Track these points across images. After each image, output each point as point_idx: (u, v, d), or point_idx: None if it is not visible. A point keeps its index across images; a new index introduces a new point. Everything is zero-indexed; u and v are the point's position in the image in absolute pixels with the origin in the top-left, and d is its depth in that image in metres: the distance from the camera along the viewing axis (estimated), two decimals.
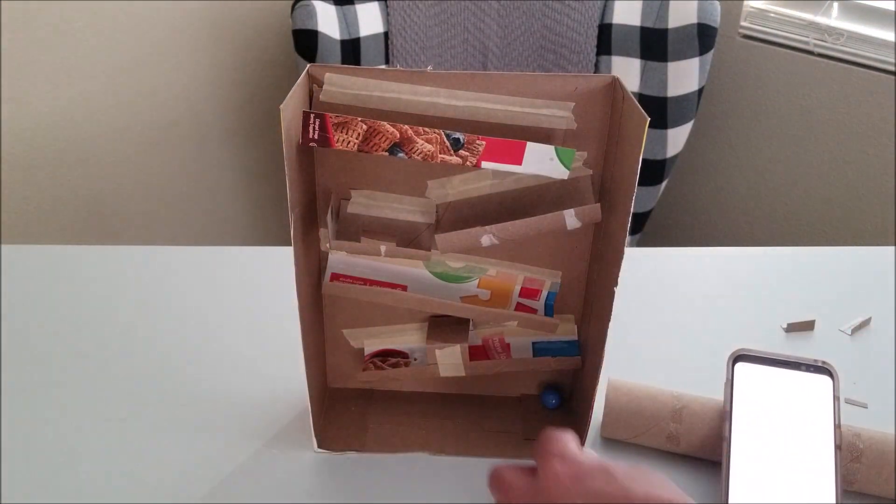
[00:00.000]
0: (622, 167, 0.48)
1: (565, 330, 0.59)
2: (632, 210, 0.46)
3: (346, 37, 1.35)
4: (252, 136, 1.64)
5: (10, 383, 0.63)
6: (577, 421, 0.59)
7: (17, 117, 1.26)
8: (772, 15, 1.50)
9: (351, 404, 0.62)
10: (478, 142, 0.47)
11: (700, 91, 1.40)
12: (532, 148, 0.47)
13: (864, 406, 0.63)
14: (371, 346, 0.61)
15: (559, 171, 0.48)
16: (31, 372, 0.64)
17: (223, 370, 0.65)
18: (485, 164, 0.48)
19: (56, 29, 1.25)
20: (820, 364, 0.55)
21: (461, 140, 0.47)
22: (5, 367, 0.65)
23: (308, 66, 0.50)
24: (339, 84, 0.50)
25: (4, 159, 1.27)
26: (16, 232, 1.33)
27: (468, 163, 0.47)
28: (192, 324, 0.71)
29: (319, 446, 0.58)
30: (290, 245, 0.49)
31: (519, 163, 0.48)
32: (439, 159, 0.47)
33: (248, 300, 0.74)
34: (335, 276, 0.56)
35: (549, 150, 0.47)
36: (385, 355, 0.61)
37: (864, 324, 0.73)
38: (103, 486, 0.55)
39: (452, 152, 0.47)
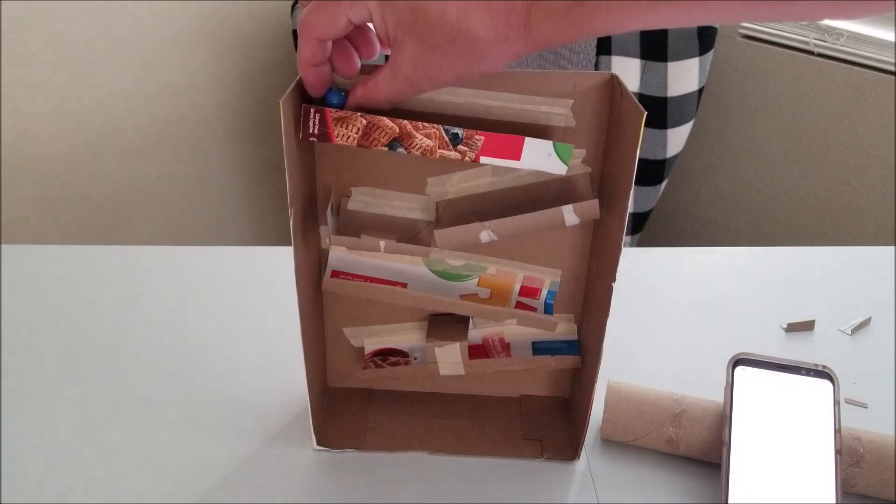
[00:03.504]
0: (620, 163, 0.48)
1: (565, 329, 0.59)
2: (629, 206, 0.46)
3: None
4: (252, 136, 1.64)
5: (10, 383, 0.63)
6: (577, 420, 0.59)
7: (17, 117, 1.26)
8: None
9: (351, 403, 0.62)
10: (476, 137, 0.47)
11: (700, 91, 1.40)
12: (530, 143, 0.47)
13: (864, 406, 0.63)
14: (371, 344, 0.61)
15: (557, 167, 0.48)
16: (30, 372, 0.64)
17: (223, 370, 0.65)
18: (483, 159, 0.48)
19: (56, 29, 1.25)
20: (820, 368, 0.55)
21: (460, 135, 0.47)
22: (5, 367, 0.65)
23: None
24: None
25: (4, 159, 1.27)
26: (16, 232, 1.33)
27: (467, 158, 0.47)
28: (192, 323, 0.71)
29: (319, 445, 0.58)
30: (290, 245, 0.48)
31: (517, 158, 0.47)
32: (438, 154, 0.47)
33: (248, 300, 0.74)
34: (335, 273, 0.56)
35: (547, 145, 0.47)
36: (385, 354, 0.61)
37: (864, 324, 0.73)
38: (103, 485, 0.54)
39: (451, 147, 0.47)
